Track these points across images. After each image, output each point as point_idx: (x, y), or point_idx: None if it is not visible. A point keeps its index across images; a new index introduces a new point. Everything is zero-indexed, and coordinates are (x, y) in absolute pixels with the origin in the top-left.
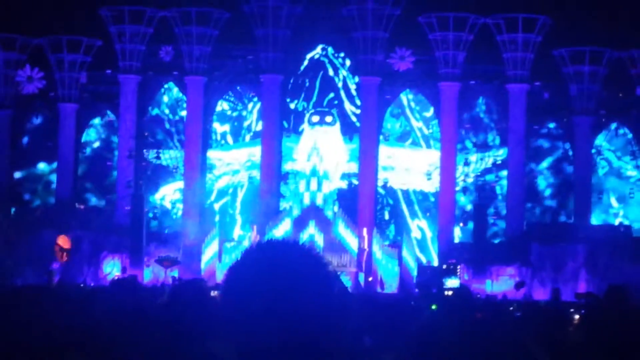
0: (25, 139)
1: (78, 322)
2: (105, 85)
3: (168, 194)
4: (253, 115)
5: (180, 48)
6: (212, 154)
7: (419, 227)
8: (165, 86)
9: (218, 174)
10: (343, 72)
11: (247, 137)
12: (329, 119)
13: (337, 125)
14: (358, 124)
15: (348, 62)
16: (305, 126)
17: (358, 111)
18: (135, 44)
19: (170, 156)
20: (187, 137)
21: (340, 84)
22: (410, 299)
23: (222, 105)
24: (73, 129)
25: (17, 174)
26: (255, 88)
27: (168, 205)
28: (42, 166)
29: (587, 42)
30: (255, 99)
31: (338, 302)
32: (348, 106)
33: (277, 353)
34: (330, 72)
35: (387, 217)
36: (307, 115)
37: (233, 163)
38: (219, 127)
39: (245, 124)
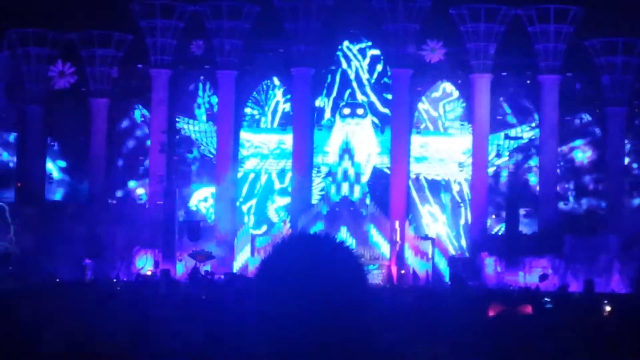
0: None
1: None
2: (136, 79)
3: (202, 200)
4: (275, 104)
5: (211, 42)
6: (242, 135)
7: (430, 212)
8: None
9: (246, 155)
10: (355, 63)
11: (276, 120)
12: (360, 111)
13: (369, 117)
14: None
15: (371, 52)
16: (336, 119)
17: (365, 99)
18: (166, 38)
19: (200, 129)
20: (219, 130)
21: (352, 75)
22: (443, 292)
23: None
24: (104, 123)
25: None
26: (286, 81)
27: (203, 210)
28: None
29: (620, 32)
30: (278, 89)
31: (370, 295)
32: (360, 96)
33: (309, 347)
34: (344, 65)
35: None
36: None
37: (262, 147)
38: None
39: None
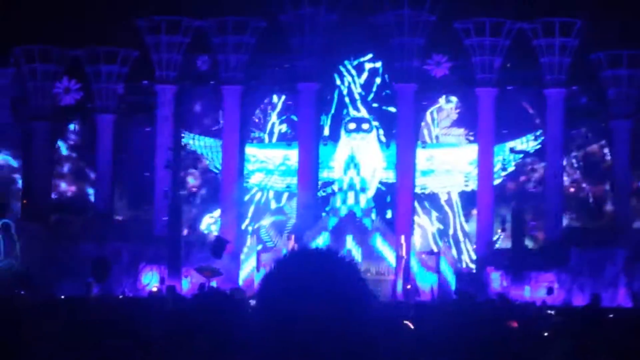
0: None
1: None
2: (142, 95)
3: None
4: (271, 126)
5: (216, 57)
6: (248, 150)
7: (419, 224)
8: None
9: (251, 169)
10: (348, 78)
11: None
12: (365, 126)
13: (374, 132)
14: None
15: (369, 66)
16: (341, 134)
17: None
18: (172, 54)
19: (205, 144)
20: (225, 146)
21: (345, 91)
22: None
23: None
24: (110, 139)
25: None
26: (292, 96)
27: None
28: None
29: (625, 45)
30: (273, 112)
31: (374, 311)
32: (352, 112)
33: None
34: (338, 82)
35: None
36: (343, 123)
37: (267, 162)
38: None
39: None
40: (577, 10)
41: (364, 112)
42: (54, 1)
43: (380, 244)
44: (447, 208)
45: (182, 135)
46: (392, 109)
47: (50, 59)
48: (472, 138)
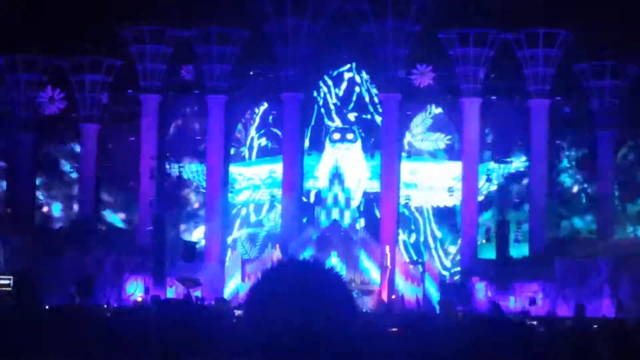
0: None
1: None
2: (126, 105)
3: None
4: (250, 140)
5: (200, 67)
6: (234, 169)
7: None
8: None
9: (239, 188)
10: (324, 89)
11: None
12: (350, 136)
13: (359, 142)
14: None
15: (348, 76)
16: (326, 144)
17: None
18: (156, 64)
19: (192, 170)
20: (209, 155)
21: (321, 102)
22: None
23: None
24: (94, 149)
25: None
26: (276, 106)
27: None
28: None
29: (608, 56)
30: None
31: (358, 321)
32: (328, 122)
33: None
34: (315, 93)
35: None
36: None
37: (254, 178)
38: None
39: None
40: (561, 22)
41: (338, 123)
42: (38, 10)
43: (365, 261)
44: (417, 214)
45: (168, 161)
46: (370, 117)
47: (34, 69)
48: (449, 142)
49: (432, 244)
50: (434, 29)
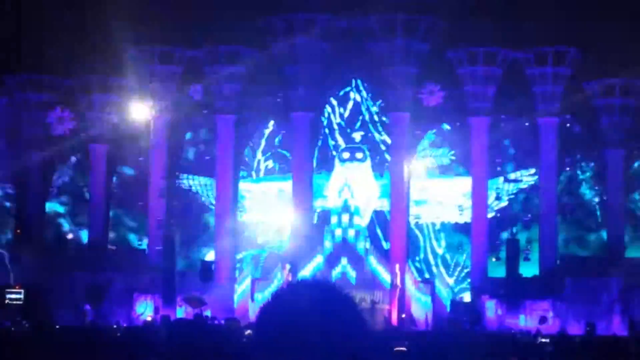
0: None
1: None
2: (136, 124)
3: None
4: (258, 156)
5: (209, 87)
6: (242, 186)
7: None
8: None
9: (247, 205)
10: (328, 109)
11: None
12: (359, 155)
13: (368, 161)
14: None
15: (354, 96)
16: (335, 163)
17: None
18: (165, 83)
19: (200, 183)
20: (218, 175)
21: (325, 122)
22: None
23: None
24: (104, 169)
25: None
26: (285, 125)
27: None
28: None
29: (617, 74)
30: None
31: (368, 340)
32: (331, 141)
33: None
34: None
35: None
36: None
37: (262, 197)
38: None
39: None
40: (570, 40)
41: (341, 142)
42: (46, 31)
43: (375, 264)
44: (417, 232)
45: (177, 174)
46: (370, 135)
47: (43, 89)
48: (453, 158)
49: (432, 261)
50: (442, 47)
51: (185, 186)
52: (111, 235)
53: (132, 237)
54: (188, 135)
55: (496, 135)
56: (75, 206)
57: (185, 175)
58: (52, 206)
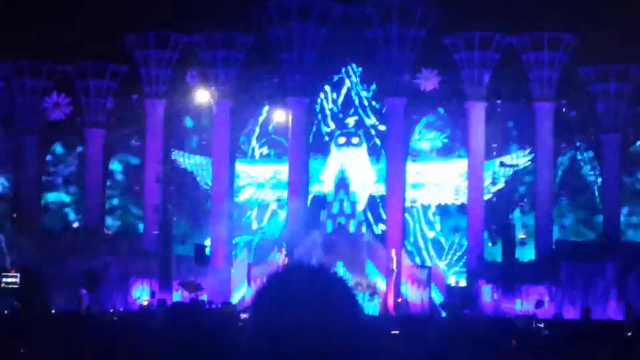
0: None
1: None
2: (131, 110)
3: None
4: (252, 143)
5: (205, 72)
6: (238, 166)
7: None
8: None
9: (242, 184)
10: (322, 95)
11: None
12: (355, 140)
13: (364, 146)
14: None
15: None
16: (332, 148)
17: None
18: (161, 69)
19: (195, 162)
20: (214, 159)
21: (318, 108)
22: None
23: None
24: (100, 154)
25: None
26: (281, 111)
27: None
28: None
29: (613, 59)
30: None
31: (365, 326)
32: (325, 128)
33: None
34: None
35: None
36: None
37: (258, 177)
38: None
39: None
40: (565, 25)
41: (334, 128)
42: (43, 16)
43: (370, 258)
44: (407, 215)
45: (171, 151)
46: (367, 120)
47: (39, 74)
48: (446, 140)
49: (422, 245)
50: (438, 33)
51: (181, 164)
52: (117, 223)
53: (140, 225)
54: (189, 123)
55: (492, 120)
56: (82, 195)
57: (180, 153)
58: (58, 196)
